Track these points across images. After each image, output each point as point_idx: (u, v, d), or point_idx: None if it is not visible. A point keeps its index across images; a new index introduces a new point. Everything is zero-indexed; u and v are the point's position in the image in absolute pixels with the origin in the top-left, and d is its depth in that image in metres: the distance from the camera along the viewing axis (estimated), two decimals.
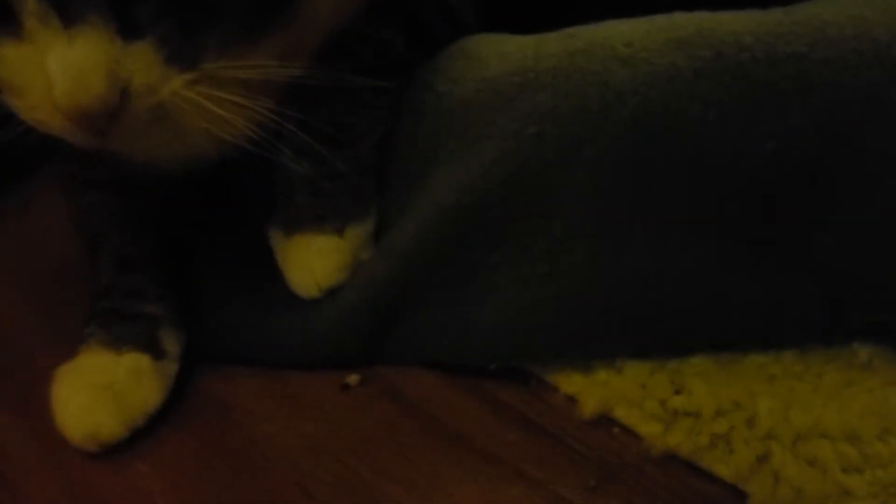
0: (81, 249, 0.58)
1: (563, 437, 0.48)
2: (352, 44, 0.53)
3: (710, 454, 0.45)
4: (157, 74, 0.41)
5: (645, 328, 0.49)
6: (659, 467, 0.46)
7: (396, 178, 0.54)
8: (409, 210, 0.52)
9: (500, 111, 0.50)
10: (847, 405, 0.45)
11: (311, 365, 0.53)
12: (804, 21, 0.48)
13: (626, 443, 0.47)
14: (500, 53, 0.53)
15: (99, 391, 0.49)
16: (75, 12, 0.38)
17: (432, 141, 0.52)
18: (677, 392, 0.47)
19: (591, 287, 0.49)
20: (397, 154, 0.54)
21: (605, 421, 0.48)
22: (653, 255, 0.48)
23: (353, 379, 0.52)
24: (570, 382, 0.49)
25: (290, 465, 0.48)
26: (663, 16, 0.52)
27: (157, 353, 0.51)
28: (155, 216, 0.57)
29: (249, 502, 0.46)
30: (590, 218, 0.48)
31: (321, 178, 0.51)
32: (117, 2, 0.39)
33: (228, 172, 0.53)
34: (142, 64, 0.41)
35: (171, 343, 0.52)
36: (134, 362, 0.50)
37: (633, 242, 0.48)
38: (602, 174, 0.48)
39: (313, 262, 0.52)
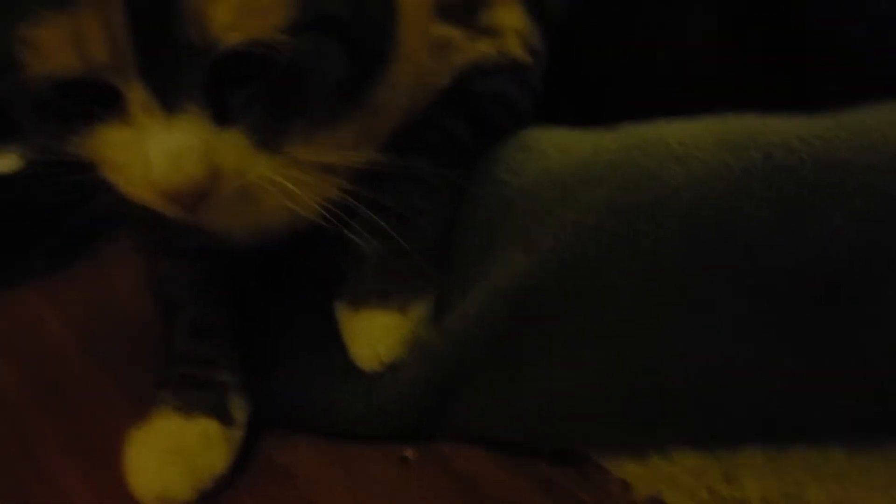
0: (154, 312, 0.61)
1: None
2: (421, 132, 0.57)
3: None
4: (245, 158, 0.45)
5: (695, 418, 0.51)
6: None
7: (458, 260, 0.56)
8: (469, 292, 0.55)
9: (559, 202, 0.53)
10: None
11: (370, 436, 0.55)
12: (849, 127, 0.50)
13: None
14: (559, 146, 0.56)
15: (170, 455, 0.52)
16: (176, 101, 0.42)
17: (492, 227, 0.55)
18: (727, 481, 0.48)
19: (643, 375, 0.51)
20: (460, 237, 0.57)
21: None
22: (703, 348, 0.50)
23: (410, 452, 0.54)
24: (622, 466, 0.51)
25: None
26: (715, 117, 0.54)
27: (225, 419, 0.54)
28: (228, 285, 0.60)
29: None
30: (643, 308, 0.50)
31: (388, 256, 0.54)
32: (213, 93, 0.43)
33: (299, 244, 0.57)
34: (233, 149, 0.44)
35: (239, 410, 0.55)
36: (204, 428, 0.53)
37: (684, 334, 0.50)
38: (656, 267, 0.50)
39: (376, 337, 0.55)
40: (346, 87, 0.48)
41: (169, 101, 0.42)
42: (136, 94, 0.42)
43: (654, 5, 0.66)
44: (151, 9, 0.40)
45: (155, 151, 0.42)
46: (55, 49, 0.41)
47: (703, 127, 0.53)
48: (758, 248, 0.49)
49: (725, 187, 0.50)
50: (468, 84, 0.59)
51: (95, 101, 0.43)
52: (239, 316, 0.59)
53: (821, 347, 0.49)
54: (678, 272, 0.50)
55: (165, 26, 0.40)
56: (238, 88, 0.43)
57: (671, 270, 0.50)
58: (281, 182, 0.47)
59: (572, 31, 0.67)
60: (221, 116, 0.43)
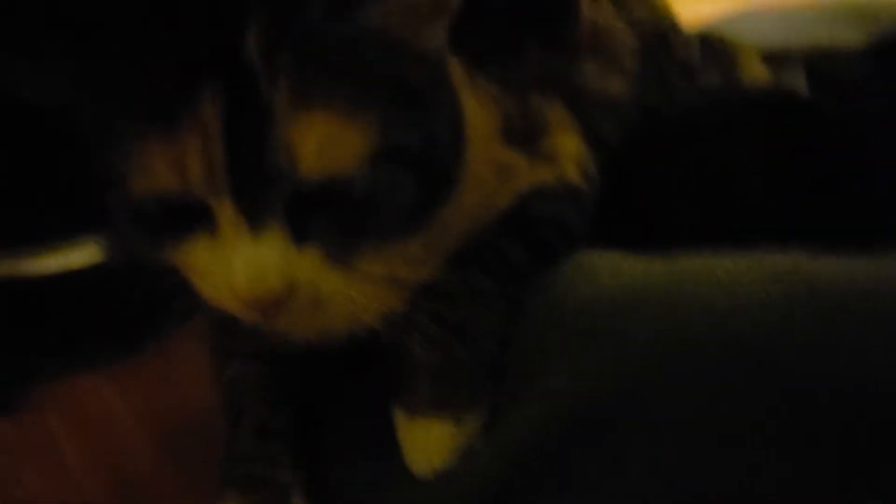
0: (221, 407, 0.64)
1: None
2: (481, 251, 0.60)
3: None
4: (320, 273, 0.49)
5: None
6: None
7: (511, 374, 0.59)
8: (519, 407, 0.57)
9: (609, 327, 0.55)
10: None
11: None
12: (890, 273, 0.52)
13: None
14: (611, 271, 0.59)
15: None
16: (261, 220, 0.46)
17: (544, 346, 0.58)
18: None
19: (683, 499, 0.52)
20: (513, 352, 0.59)
21: None
22: (745, 475, 0.51)
23: None
24: None
25: None
26: (762, 253, 0.57)
27: None
28: (291, 387, 0.63)
29: None
30: (687, 437, 0.52)
31: (444, 366, 0.57)
32: (295, 214, 0.47)
33: (361, 348, 0.60)
34: (309, 264, 0.48)
35: None
36: None
37: (725, 461, 0.51)
38: (700, 394, 0.52)
39: (430, 445, 0.57)
40: (415, 209, 0.52)
41: (255, 219, 0.46)
42: (226, 212, 0.47)
43: (706, 137, 0.70)
44: (247, 139, 0.45)
45: (239, 264, 0.47)
46: (159, 171, 0.46)
47: (750, 261, 0.56)
48: (798, 382, 0.51)
49: (769, 320, 0.52)
50: (527, 208, 0.62)
51: (189, 214, 0.48)
52: (301, 417, 0.62)
53: (858, 484, 0.50)
54: (719, 401, 0.52)
55: (258, 155, 0.45)
56: (317, 211, 0.48)
57: (714, 399, 0.52)
58: (350, 294, 0.51)
59: (626, 158, 0.71)
60: (300, 234, 0.48)
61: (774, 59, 1.02)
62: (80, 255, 0.79)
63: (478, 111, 0.60)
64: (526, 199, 0.63)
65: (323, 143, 0.46)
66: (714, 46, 0.89)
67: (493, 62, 0.68)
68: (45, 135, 0.53)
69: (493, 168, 0.61)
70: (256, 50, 0.46)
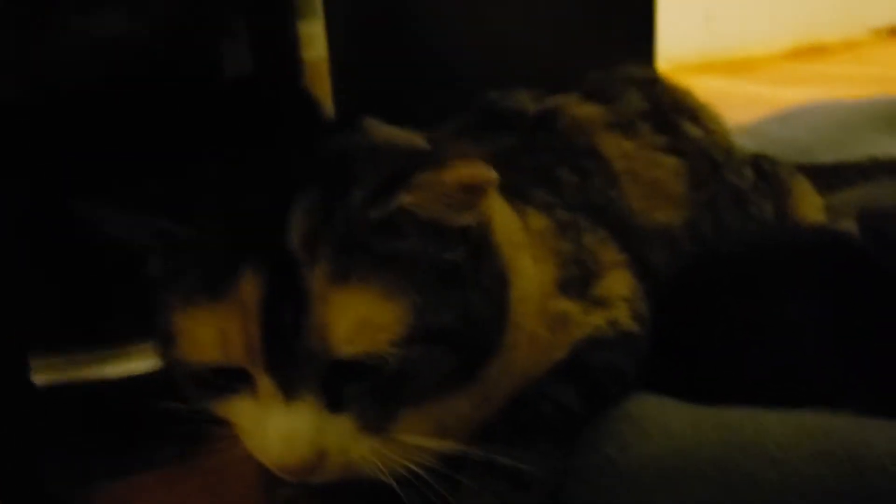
0: None
1: None
2: (533, 400, 0.61)
3: None
4: (351, 441, 0.51)
5: None
6: None
7: None
8: None
9: (662, 492, 0.57)
10: None
11: None
12: None
13: None
14: (662, 427, 0.61)
15: None
16: (295, 392, 0.49)
17: (597, 499, 0.59)
18: None
19: None
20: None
21: None
22: None
23: None
24: None
25: None
26: (812, 418, 0.59)
27: None
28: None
29: None
30: None
31: None
32: (330, 386, 0.49)
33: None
34: (340, 432, 0.50)
35: None
36: None
37: None
38: None
39: None
40: (454, 376, 0.53)
41: (289, 391, 0.49)
42: (263, 382, 0.49)
43: (758, 286, 0.71)
44: (284, 319, 0.47)
45: (272, 431, 0.49)
46: (203, 342, 0.49)
47: (799, 428, 0.57)
48: None
49: (819, 499, 0.53)
50: (580, 356, 0.64)
51: (234, 375, 0.50)
52: None
53: None
54: None
55: (293, 335, 0.48)
56: (351, 384, 0.50)
57: None
58: (384, 458, 0.52)
59: (681, 298, 0.72)
60: (335, 404, 0.50)
61: (825, 178, 1.03)
62: (142, 363, 0.82)
63: (532, 270, 0.61)
64: (579, 347, 0.64)
65: (356, 326, 0.48)
66: (767, 172, 0.90)
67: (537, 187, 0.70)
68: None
69: (547, 321, 0.62)
70: (298, 237, 0.48)
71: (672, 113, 0.86)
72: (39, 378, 0.77)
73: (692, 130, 0.87)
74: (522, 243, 0.61)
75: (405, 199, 0.49)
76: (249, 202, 0.51)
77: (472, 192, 0.51)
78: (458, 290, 0.52)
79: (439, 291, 0.50)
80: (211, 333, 0.49)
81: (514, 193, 0.65)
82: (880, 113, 1.49)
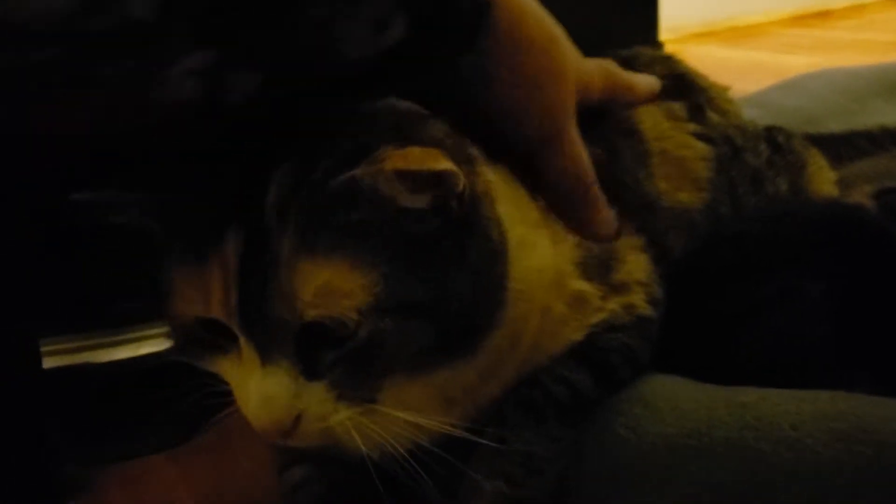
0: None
1: None
2: (544, 381, 0.61)
3: None
4: (327, 408, 0.51)
5: None
6: None
7: None
8: None
9: (675, 471, 0.57)
10: None
11: None
12: None
13: None
14: (674, 408, 0.60)
15: None
16: (270, 356, 0.50)
17: (608, 480, 0.59)
18: None
19: None
20: (577, 486, 0.60)
21: None
22: None
23: None
24: None
25: None
26: (827, 398, 0.58)
27: None
28: (356, 494, 0.65)
29: None
30: None
31: (506, 495, 0.58)
32: (304, 352, 0.50)
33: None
34: (316, 399, 0.51)
35: None
36: None
37: None
38: None
39: None
40: (439, 349, 0.53)
41: (265, 354, 0.50)
42: (244, 343, 0.50)
43: (770, 263, 0.70)
44: (254, 286, 0.49)
45: (252, 393, 0.50)
46: (189, 297, 0.51)
47: (814, 408, 0.57)
48: None
49: (833, 484, 0.53)
50: (595, 339, 0.63)
51: (224, 336, 0.51)
52: None
53: None
54: None
55: (262, 300, 0.49)
56: (326, 350, 0.50)
57: None
58: (367, 426, 0.52)
59: (693, 278, 0.72)
60: (311, 371, 0.50)
61: (836, 147, 1.02)
62: (151, 345, 0.81)
63: (548, 247, 0.61)
64: (595, 330, 0.63)
65: (320, 291, 0.48)
66: (781, 146, 0.88)
67: None
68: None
69: (566, 300, 0.62)
70: (273, 203, 0.49)
71: (696, 95, 0.84)
72: (49, 361, 0.77)
73: (713, 116, 0.85)
74: (538, 221, 0.61)
75: (359, 172, 0.49)
76: (242, 168, 0.51)
77: (426, 181, 0.50)
78: (434, 264, 0.51)
79: (411, 265, 0.50)
80: (197, 292, 0.50)
81: None
82: (888, 80, 1.47)
